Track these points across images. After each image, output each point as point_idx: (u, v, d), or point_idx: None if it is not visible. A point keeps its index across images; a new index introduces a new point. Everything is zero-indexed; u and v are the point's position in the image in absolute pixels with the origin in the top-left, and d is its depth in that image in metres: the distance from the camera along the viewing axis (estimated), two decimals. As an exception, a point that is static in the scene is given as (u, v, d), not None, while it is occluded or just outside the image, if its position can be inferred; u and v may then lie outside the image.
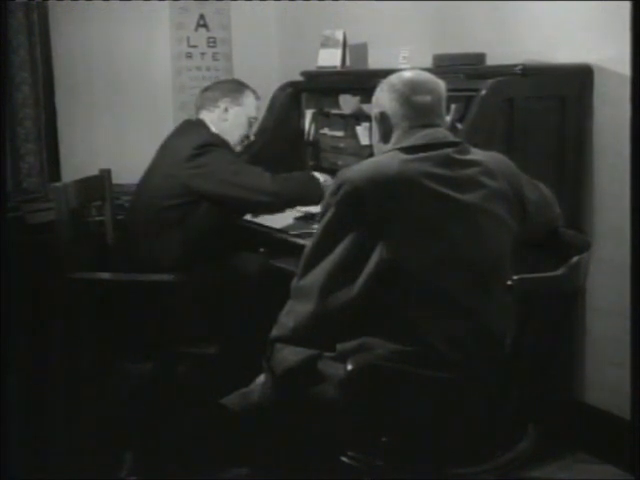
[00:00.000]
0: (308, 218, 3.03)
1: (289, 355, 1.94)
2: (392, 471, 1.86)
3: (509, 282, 1.80)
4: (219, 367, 2.71)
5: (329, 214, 1.92)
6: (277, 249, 2.95)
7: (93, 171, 3.16)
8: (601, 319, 2.86)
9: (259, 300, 2.85)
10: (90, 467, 2.66)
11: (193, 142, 2.91)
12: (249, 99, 3.11)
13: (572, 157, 2.80)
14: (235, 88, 3.14)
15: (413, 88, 2.04)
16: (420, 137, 1.98)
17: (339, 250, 1.88)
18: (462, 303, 1.87)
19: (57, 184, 2.91)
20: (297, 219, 3.08)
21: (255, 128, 3.22)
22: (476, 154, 2.03)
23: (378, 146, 2.12)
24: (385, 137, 2.07)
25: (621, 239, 2.40)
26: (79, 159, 3.84)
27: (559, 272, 1.88)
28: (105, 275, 2.76)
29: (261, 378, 2.08)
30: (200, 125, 3.06)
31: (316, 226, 2.05)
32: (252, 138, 3.20)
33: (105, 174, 3.16)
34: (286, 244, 2.87)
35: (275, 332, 1.99)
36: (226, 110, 3.07)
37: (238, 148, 3.12)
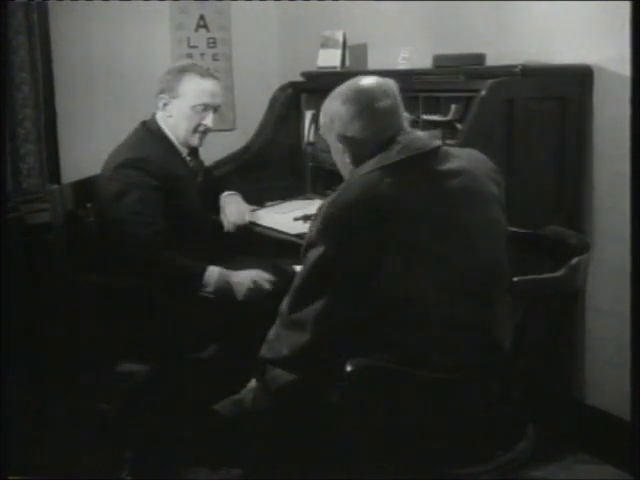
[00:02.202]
0: (307, 219, 3.04)
1: (284, 374, 1.93)
2: (392, 471, 1.86)
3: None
4: (217, 370, 2.71)
5: (319, 249, 1.83)
6: (277, 250, 2.95)
7: (93, 172, 3.15)
8: (601, 320, 2.86)
9: (257, 302, 2.85)
10: (89, 468, 2.66)
11: (116, 158, 2.78)
12: (190, 86, 2.77)
13: (572, 158, 2.80)
14: (171, 78, 2.80)
15: (370, 96, 1.93)
16: (397, 152, 1.87)
17: (334, 283, 1.83)
18: (464, 318, 1.84)
19: (52, 187, 2.82)
20: (296, 219, 3.09)
21: (217, 115, 2.88)
22: (455, 158, 1.93)
23: (350, 169, 1.98)
24: (357, 159, 1.95)
25: (621, 240, 2.40)
26: (79, 160, 3.83)
27: (559, 273, 1.88)
28: (102, 277, 2.73)
29: (252, 383, 2.07)
30: (145, 129, 2.88)
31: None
32: (210, 126, 2.83)
33: (105, 175, 3.15)
34: (286, 245, 2.88)
35: (267, 354, 1.95)
36: (165, 105, 2.81)
37: (195, 142, 2.85)
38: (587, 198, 2.84)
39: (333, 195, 1.87)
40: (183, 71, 2.82)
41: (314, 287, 1.87)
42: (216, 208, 3.08)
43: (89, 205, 2.95)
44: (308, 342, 1.86)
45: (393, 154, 1.87)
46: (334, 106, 1.98)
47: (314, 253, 1.84)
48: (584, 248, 2.01)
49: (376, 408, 1.84)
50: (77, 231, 2.79)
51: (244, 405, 2.08)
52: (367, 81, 1.99)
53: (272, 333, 1.96)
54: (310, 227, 1.92)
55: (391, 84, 1.98)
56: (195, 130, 2.83)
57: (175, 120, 2.82)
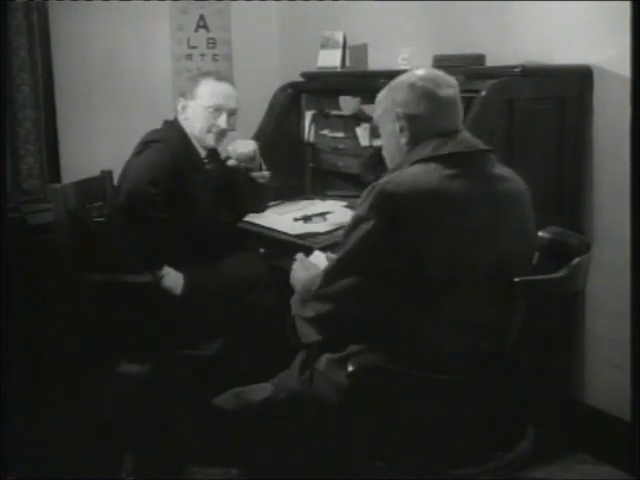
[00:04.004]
0: (307, 219, 3.04)
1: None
2: (392, 472, 1.86)
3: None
4: (218, 368, 2.71)
5: (368, 225, 1.83)
6: (277, 250, 2.95)
7: (93, 172, 3.16)
8: (601, 320, 2.86)
9: (259, 301, 2.86)
10: (89, 468, 2.66)
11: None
12: (205, 88, 2.94)
13: (572, 158, 2.80)
14: (190, 83, 3.02)
15: (435, 82, 1.96)
16: (454, 144, 1.90)
17: (376, 259, 1.83)
18: (478, 319, 1.86)
19: (55, 185, 2.89)
20: (296, 220, 3.09)
21: (233, 118, 3.01)
22: (501, 165, 1.99)
23: (405, 151, 1.98)
24: (415, 140, 1.96)
25: (621, 241, 2.40)
26: (79, 160, 3.83)
27: (560, 274, 1.88)
28: (101, 276, 2.74)
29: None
30: (168, 124, 3.01)
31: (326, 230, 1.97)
32: (224, 127, 2.97)
33: (106, 175, 3.16)
34: (286, 245, 2.88)
35: (306, 313, 1.96)
36: (184, 108, 2.98)
37: (211, 142, 2.98)
38: (587, 198, 2.84)
39: (389, 175, 1.90)
40: (202, 75, 3.03)
41: (356, 261, 1.87)
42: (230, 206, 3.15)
43: (88, 205, 2.97)
44: (332, 311, 1.89)
45: (451, 146, 1.90)
46: (397, 89, 2.00)
47: (363, 227, 1.85)
48: (584, 249, 2.01)
49: (376, 408, 1.84)
50: (79, 230, 2.81)
51: (245, 398, 2.09)
52: (432, 71, 2.05)
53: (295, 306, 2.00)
54: (359, 206, 1.91)
55: (453, 79, 2.01)
56: (209, 130, 2.95)
57: (191, 121, 2.96)
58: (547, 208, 2.77)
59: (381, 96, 2.05)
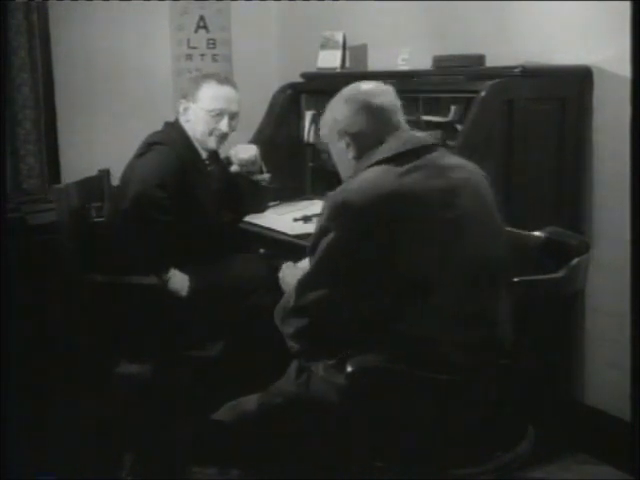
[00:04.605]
0: (307, 219, 3.04)
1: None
2: (392, 472, 1.86)
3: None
4: (220, 370, 2.71)
5: (330, 237, 1.86)
6: (277, 250, 2.96)
7: (93, 172, 3.16)
8: (601, 320, 2.86)
9: (261, 302, 2.85)
10: (90, 468, 2.66)
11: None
12: (207, 92, 2.93)
13: (572, 158, 2.81)
14: (192, 85, 3.00)
15: (368, 94, 2.04)
16: (401, 144, 1.95)
17: (343, 269, 1.86)
18: (468, 311, 1.86)
19: (59, 185, 2.91)
20: (296, 220, 3.09)
21: (235, 121, 3.00)
22: (453, 156, 2.03)
23: (353, 165, 2.04)
24: (360, 152, 2.02)
25: (621, 241, 2.40)
26: (79, 160, 3.84)
27: (559, 274, 1.89)
28: (104, 276, 2.74)
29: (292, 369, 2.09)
30: (169, 126, 3.00)
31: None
32: (225, 130, 2.96)
33: (104, 175, 3.16)
34: (285, 245, 2.88)
35: (287, 330, 1.97)
36: (186, 110, 2.96)
37: (212, 145, 2.97)
38: (587, 198, 2.84)
39: (342, 185, 1.94)
40: (204, 78, 3.00)
41: (323, 274, 1.90)
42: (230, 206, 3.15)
43: (87, 205, 2.97)
44: (309, 325, 1.90)
45: (396, 146, 1.94)
46: (336, 108, 2.08)
47: (325, 241, 1.88)
48: (584, 249, 2.02)
49: (376, 408, 1.84)
50: (81, 230, 2.81)
51: (242, 408, 2.12)
52: (365, 83, 2.10)
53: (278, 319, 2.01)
54: (319, 220, 1.95)
55: (388, 87, 2.08)
56: (211, 134, 2.94)
57: (192, 124, 2.95)
58: (547, 208, 2.78)
59: (324, 116, 2.13)
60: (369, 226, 1.83)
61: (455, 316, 1.85)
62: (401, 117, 2.05)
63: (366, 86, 2.08)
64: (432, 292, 1.83)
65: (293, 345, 1.98)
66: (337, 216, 1.87)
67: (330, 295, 1.87)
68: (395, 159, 1.91)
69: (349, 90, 2.08)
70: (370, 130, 2.00)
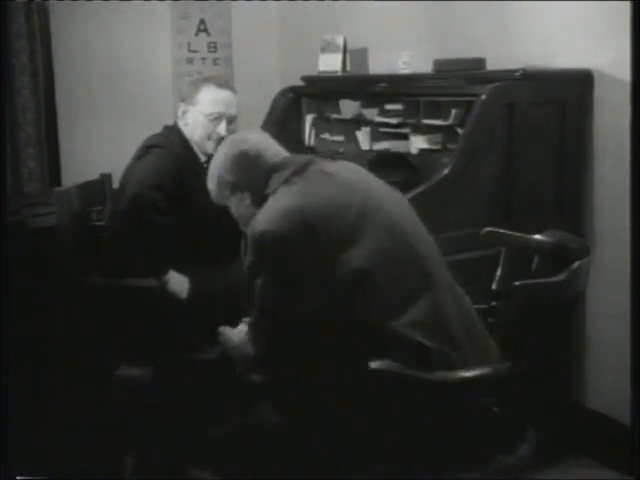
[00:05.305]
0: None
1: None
2: (392, 473, 1.86)
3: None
4: (220, 372, 2.71)
5: (264, 278, 1.94)
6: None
7: (93, 176, 3.16)
8: (601, 323, 2.86)
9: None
10: (91, 470, 2.66)
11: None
12: (206, 95, 2.89)
13: (572, 162, 2.81)
14: (191, 88, 2.97)
15: (234, 144, 2.13)
16: (288, 168, 2.02)
17: (287, 298, 1.93)
18: (413, 294, 1.89)
19: (60, 188, 2.91)
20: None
21: (233, 125, 2.95)
22: (332, 162, 2.12)
23: (253, 210, 2.08)
24: (255, 195, 2.07)
25: (621, 244, 2.40)
26: (79, 164, 3.84)
27: (560, 277, 1.88)
28: (104, 279, 2.75)
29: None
30: (168, 129, 3.00)
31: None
32: (224, 134, 2.88)
33: (105, 178, 3.16)
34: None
35: (259, 379, 2.08)
36: (184, 113, 2.93)
37: (210, 149, 2.89)
38: (587, 202, 2.85)
39: (253, 225, 1.96)
40: (203, 81, 2.97)
41: (269, 316, 1.97)
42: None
43: (88, 209, 2.98)
44: (281, 370, 1.98)
45: (286, 172, 2.01)
46: (217, 167, 2.17)
47: (259, 281, 1.95)
48: (585, 252, 2.02)
49: (376, 411, 1.84)
50: (82, 233, 2.81)
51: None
52: (230, 137, 2.30)
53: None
54: (247, 258, 2.00)
55: (252, 134, 2.19)
56: (209, 137, 2.92)
57: (191, 127, 2.92)
58: (547, 211, 2.78)
59: (209, 182, 2.21)
60: (292, 256, 1.88)
61: (398, 296, 1.87)
62: (275, 146, 2.14)
63: (231, 138, 2.21)
64: (373, 280, 1.86)
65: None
66: (262, 251, 1.92)
67: (284, 328, 1.93)
68: (290, 180, 1.99)
69: (220, 150, 2.18)
70: (252, 172, 2.07)
